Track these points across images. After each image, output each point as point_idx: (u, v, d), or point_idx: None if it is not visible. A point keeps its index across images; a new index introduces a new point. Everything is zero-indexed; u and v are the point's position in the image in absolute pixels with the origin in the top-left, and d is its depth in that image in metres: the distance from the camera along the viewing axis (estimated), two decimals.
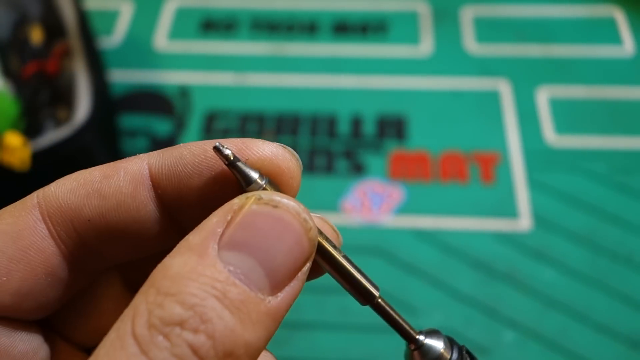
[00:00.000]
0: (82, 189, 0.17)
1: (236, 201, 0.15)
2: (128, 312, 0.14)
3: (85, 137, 0.46)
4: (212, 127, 0.55)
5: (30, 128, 0.47)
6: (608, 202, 0.48)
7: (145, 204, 0.17)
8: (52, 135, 0.46)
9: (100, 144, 0.49)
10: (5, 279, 0.16)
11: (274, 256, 0.15)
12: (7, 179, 0.45)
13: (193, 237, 0.15)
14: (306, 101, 0.56)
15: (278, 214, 0.15)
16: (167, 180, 0.17)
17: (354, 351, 0.42)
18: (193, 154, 0.17)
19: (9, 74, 0.49)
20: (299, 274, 0.16)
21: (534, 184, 0.50)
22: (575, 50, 0.58)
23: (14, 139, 0.43)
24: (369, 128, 0.54)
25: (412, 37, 0.60)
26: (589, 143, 0.52)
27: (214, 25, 0.63)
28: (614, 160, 0.51)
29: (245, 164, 0.16)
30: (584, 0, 0.62)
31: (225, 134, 0.54)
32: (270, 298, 0.15)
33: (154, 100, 0.57)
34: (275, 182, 0.17)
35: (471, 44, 0.59)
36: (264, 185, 0.16)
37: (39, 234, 0.17)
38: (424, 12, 0.63)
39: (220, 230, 0.15)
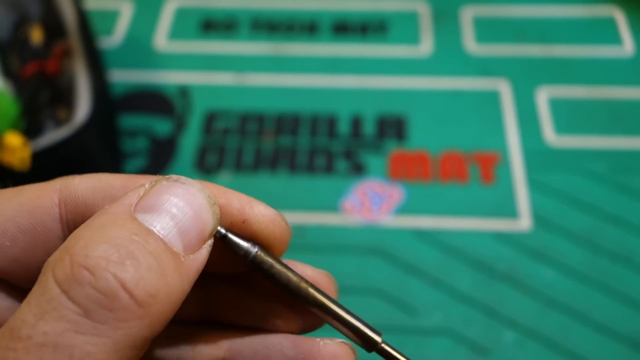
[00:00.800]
0: (100, 191, 0.18)
1: (147, 182, 0.17)
2: (50, 260, 0.14)
3: (85, 137, 0.46)
4: (212, 127, 0.55)
5: (30, 128, 0.47)
6: (608, 202, 0.48)
7: None
8: (52, 135, 0.46)
9: (100, 144, 0.49)
10: (8, 244, 0.17)
11: (184, 218, 0.16)
12: (7, 179, 0.45)
13: (110, 205, 0.16)
14: (306, 101, 0.56)
15: (185, 187, 0.17)
16: None
17: None
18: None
19: (9, 74, 0.49)
20: (205, 245, 0.17)
21: (534, 184, 0.50)
22: (575, 50, 0.58)
23: (14, 139, 0.43)
24: (369, 128, 0.54)
25: (412, 37, 0.60)
26: (589, 143, 0.52)
27: (214, 25, 0.63)
28: (614, 160, 0.51)
29: (236, 236, 0.18)
30: (584, 0, 0.62)
31: (225, 133, 0.54)
32: (183, 255, 0.16)
33: (154, 100, 0.57)
34: (266, 246, 0.19)
35: (471, 44, 0.59)
36: (257, 251, 0.18)
37: (52, 215, 0.18)
38: (424, 12, 0.63)
39: (135, 199, 0.16)
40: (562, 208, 0.48)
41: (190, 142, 0.54)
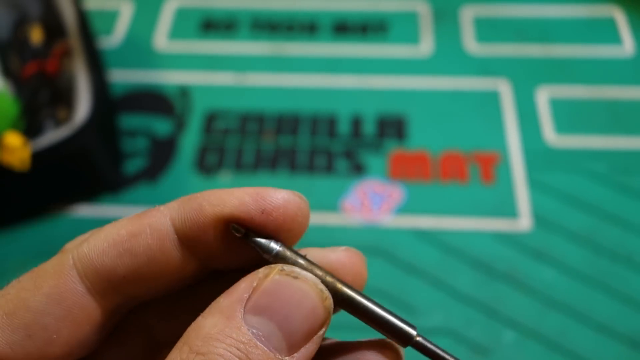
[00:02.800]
0: (113, 249, 0.19)
1: (261, 270, 0.18)
2: None
3: (85, 137, 0.46)
4: (212, 127, 0.55)
5: (30, 128, 0.47)
6: (608, 202, 0.48)
7: (174, 255, 0.19)
8: (52, 135, 0.46)
9: (100, 144, 0.49)
10: (55, 336, 0.18)
11: (292, 321, 0.17)
12: (7, 179, 0.45)
13: (223, 300, 0.17)
14: (306, 101, 0.56)
15: (297, 284, 0.18)
16: (190, 231, 0.19)
17: None
18: (212, 205, 0.19)
19: (9, 74, 0.49)
20: (315, 337, 0.18)
21: (534, 184, 0.50)
22: (575, 50, 0.58)
23: (14, 139, 0.43)
24: (369, 128, 0.54)
25: (412, 37, 0.60)
26: (589, 143, 0.52)
27: (214, 25, 0.63)
28: (614, 160, 0.51)
29: (257, 235, 0.19)
30: (584, 0, 0.62)
31: (225, 133, 0.54)
32: (287, 358, 0.17)
33: (154, 100, 0.57)
34: (289, 228, 0.19)
35: (471, 44, 0.59)
36: (280, 248, 0.19)
37: (80, 293, 0.19)
38: (424, 12, 0.63)
39: (246, 295, 0.17)
40: (562, 208, 0.48)
41: (190, 142, 0.54)
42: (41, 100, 0.49)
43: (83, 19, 0.54)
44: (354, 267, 0.20)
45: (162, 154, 0.53)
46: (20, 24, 0.53)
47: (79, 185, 0.50)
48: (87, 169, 0.49)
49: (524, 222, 0.48)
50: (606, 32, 0.59)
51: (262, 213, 0.18)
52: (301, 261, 0.19)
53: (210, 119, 0.55)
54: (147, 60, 0.60)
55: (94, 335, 0.20)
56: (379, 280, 0.45)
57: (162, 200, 0.55)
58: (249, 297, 0.17)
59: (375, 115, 0.55)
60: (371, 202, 0.49)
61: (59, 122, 0.48)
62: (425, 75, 0.57)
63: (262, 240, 0.19)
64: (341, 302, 0.19)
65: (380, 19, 0.62)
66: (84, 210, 0.50)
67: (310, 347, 0.17)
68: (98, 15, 0.62)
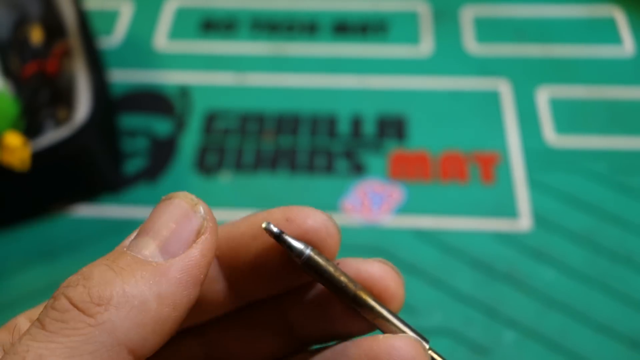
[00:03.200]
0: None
1: None
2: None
3: (85, 137, 0.46)
4: (212, 127, 0.55)
5: (30, 128, 0.47)
6: (608, 202, 0.48)
7: (213, 277, 0.20)
8: (52, 135, 0.46)
9: (100, 144, 0.49)
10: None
11: (163, 228, 0.18)
12: (7, 179, 0.45)
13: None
14: (306, 101, 0.56)
15: (170, 200, 0.19)
16: (227, 253, 0.20)
17: None
18: (251, 227, 0.20)
19: (9, 74, 0.49)
20: (195, 244, 0.18)
21: (534, 184, 0.50)
22: (575, 50, 0.58)
23: (14, 139, 0.43)
24: (369, 128, 0.54)
25: (412, 37, 0.60)
26: (589, 143, 0.52)
27: (214, 25, 0.63)
28: (614, 160, 0.51)
29: (290, 236, 0.19)
30: (584, 0, 0.62)
31: (225, 133, 0.54)
32: (159, 260, 0.17)
33: (154, 100, 0.57)
34: (319, 247, 0.19)
35: (471, 44, 0.59)
36: (310, 252, 0.19)
37: None
38: (424, 12, 0.63)
39: (135, 231, 0.19)
40: (563, 208, 0.48)
41: (190, 142, 0.54)
42: (41, 100, 0.49)
43: (83, 19, 0.54)
44: (382, 281, 0.20)
45: (162, 154, 0.53)
46: (20, 24, 0.53)
47: (79, 185, 0.50)
48: (87, 169, 0.49)
49: (524, 222, 0.48)
50: (606, 32, 0.59)
51: (287, 221, 0.19)
52: (331, 269, 0.19)
53: (210, 119, 0.55)
54: (147, 60, 0.60)
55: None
56: None
57: None
58: (133, 235, 0.18)
59: (375, 115, 0.55)
60: (371, 202, 0.49)
61: (59, 122, 0.48)
62: (425, 75, 0.57)
63: (295, 242, 0.19)
64: (359, 306, 0.19)
65: (380, 19, 0.62)
66: (84, 210, 0.50)
67: (192, 252, 0.18)
68: (98, 15, 0.62)
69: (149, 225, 0.18)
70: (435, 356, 0.19)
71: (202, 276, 0.18)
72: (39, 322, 0.16)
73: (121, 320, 0.16)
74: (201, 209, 0.19)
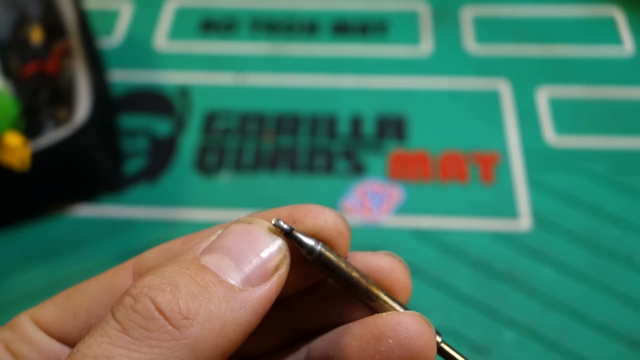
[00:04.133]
0: (164, 253, 0.20)
1: (219, 229, 0.19)
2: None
3: (85, 137, 0.46)
4: (212, 127, 0.55)
5: (30, 128, 0.47)
6: (608, 202, 0.48)
7: None
8: (52, 135, 0.46)
9: (100, 144, 0.49)
10: (94, 321, 0.19)
11: (245, 255, 0.17)
12: (7, 179, 0.45)
13: (182, 253, 0.18)
14: (306, 101, 0.56)
15: (251, 227, 0.18)
16: None
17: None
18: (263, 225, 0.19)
19: (9, 74, 0.49)
20: (273, 278, 0.18)
21: (534, 184, 0.50)
22: (575, 50, 0.58)
23: (14, 139, 0.43)
24: (369, 128, 0.54)
25: (412, 37, 0.60)
26: (589, 143, 0.52)
27: (214, 25, 0.63)
28: (614, 160, 0.51)
29: (301, 233, 0.19)
30: (584, 0, 0.62)
31: (225, 133, 0.54)
32: (241, 287, 0.17)
33: (154, 100, 0.57)
34: (330, 245, 0.19)
35: (471, 44, 0.59)
36: (321, 249, 0.19)
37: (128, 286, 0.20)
38: (424, 12, 0.63)
39: (204, 245, 0.18)
40: (562, 208, 0.48)
41: (190, 142, 0.54)
42: (41, 100, 0.49)
43: (83, 19, 0.54)
44: (393, 274, 0.20)
45: (162, 154, 0.53)
46: (20, 24, 0.53)
47: (79, 185, 0.50)
48: (87, 169, 0.49)
49: (523, 222, 0.48)
50: (606, 32, 0.59)
51: (294, 222, 0.19)
52: (343, 265, 0.19)
53: (210, 119, 0.55)
54: (147, 60, 0.60)
55: None
56: None
57: (162, 201, 0.55)
58: (205, 247, 0.18)
59: (375, 115, 0.55)
60: (371, 202, 0.49)
61: (59, 122, 0.48)
62: (425, 75, 0.57)
63: (306, 238, 0.19)
64: (370, 301, 0.19)
65: (380, 19, 0.62)
66: (84, 210, 0.50)
67: (269, 286, 0.17)
68: (98, 15, 0.62)
69: (230, 246, 0.18)
70: (447, 349, 0.19)
71: (269, 307, 0.17)
72: (120, 325, 0.15)
73: (204, 339, 0.15)
74: (282, 242, 0.18)
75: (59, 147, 0.45)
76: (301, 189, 0.51)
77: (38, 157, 0.45)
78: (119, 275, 0.20)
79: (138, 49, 0.61)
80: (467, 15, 0.62)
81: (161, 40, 0.62)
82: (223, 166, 0.52)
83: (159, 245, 0.21)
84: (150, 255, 0.20)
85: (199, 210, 0.50)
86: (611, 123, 0.53)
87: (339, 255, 0.19)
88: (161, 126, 0.55)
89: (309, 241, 0.19)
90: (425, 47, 0.60)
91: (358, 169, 0.51)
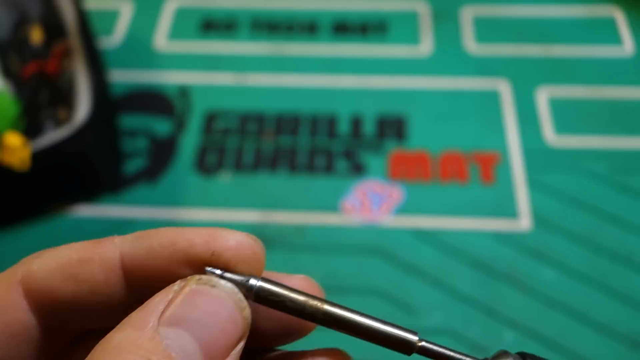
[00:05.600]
0: (60, 272, 0.18)
1: (177, 283, 0.17)
2: None
3: (85, 137, 0.46)
4: (212, 127, 0.55)
5: (30, 128, 0.47)
6: (608, 202, 0.48)
7: (117, 290, 0.18)
8: (52, 135, 0.46)
9: (100, 144, 0.49)
10: None
11: (209, 332, 0.16)
12: (7, 179, 0.45)
13: (135, 314, 0.16)
14: (306, 101, 0.56)
15: (215, 292, 0.17)
16: (138, 269, 0.18)
17: (355, 351, 0.42)
18: (162, 247, 0.18)
19: (9, 74, 0.49)
20: (233, 352, 0.16)
21: (534, 184, 0.50)
22: (575, 50, 0.58)
23: (14, 139, 0.43)
24: (369, 128, 0.54)
25: (412, 37, 0.60)
26: (589, 143, 0.52)
27: (214, 25, 0.63)
28: (614, 160, 0.51)
29: (233, 274, 0.17)
30: (584, 0, 0.62)
31: (225, 133, 0.54)
32: None
33: (154, 100, 0.57)
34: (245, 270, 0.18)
35: (471, 44, 0.59)
36: (259, 284, 0.17)
37: (22, 309, 0.18)
38: (424, 12, 0.63)
39: (162, 307, 0.16)
40: (562, 208, 0.48)
41: (190, 142, 0.54)
42: (41, 100, 0.49)
43: (83, 19, 0.54)
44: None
45: (162, 154, 0.53)
46: (20, 24, 0.53)
47: (79, 185, 0.50)
48: (87, 169, 0.49)
49: (524, 222, 0.48)
50: (606, 32, 0.59)
51: (212, 255, 0.18)
52: (284, 292, 0.18)
53: (210, 119, 0.55)
54: (147, 60, 0.60)
55: (32, 357, 0.19)
56: (378, 280, 0.45)
57: (162, 200, 0.55)
58: (165, 309, 0.16)
59: (375, 115, 0.55)
60: (371, 202, 0.50)
61: (59, 122, 0.48)
62: (425, 75, 0.57)
63: (239, 277, 0.17)
64: (332, 322, 0.18)
65: (380, 19, 0.62)
66: (84, 210, 0.50)
67: None
68: (98, 15, 0.62)
69: (191, 317, 0.16)
70: (429, 346, 0.18)
71: None
72: None
73: None
74: (248, 312, 0.17)
75: (59, 147, 0.45)
76: (301, 189, 0.51)
77: (38, 157, 0.45)
78: (8, 296, 0.18)
79: (138, 49, 0.61)
80: (467, 15, 0.62)
81: (161, 40, 0.62)
82: (223, 166, 0.52)
83: (47, 253, 0.19)
84: (41, 273, 0.18)
85: (199, 210, 0.50)
86: (611, 123, 0.53)
87: (279, 284, 0.18)
88: (161, 126, 0.55)
89: (244, 280, 0.17)
90: (425, 47, 0.60)
91: (358, 169, 0.51)
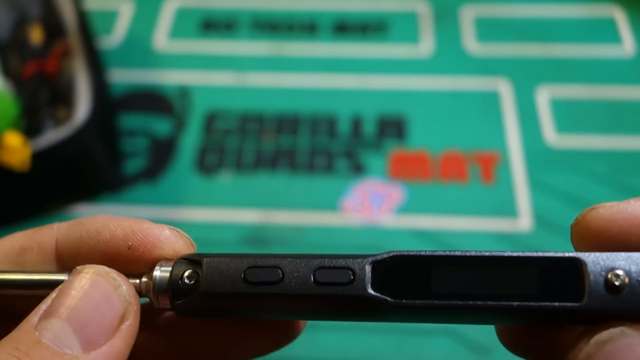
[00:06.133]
0: (5, 261, 0.19)
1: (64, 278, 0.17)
2: None
3: (85, 137, 0.46)
4: (212, 127, 0.55)
5: (30, 128, 0.47)
6: None
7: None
8: (52, 135, 0.46)
9: (100, 144, 0.49)
10: None
11: (81, 314, 0.16)
12: (7, 179, 0.45)
13: (21, 324, 0.16)
14: (306, 101, 0.56)
15: (87, 276, 0.16)
16: (69, 257, 0.18)
17: (354, 351, 0.42)
18: (89, 236, 0.18)
19: (9, 74, 0.49)
20: (118, 332, 0.16)
21: (535, 184, 0.50)
22: (575, 50, 0.58)
23: (14, 139, 0.43)
24: (369, 128, 0.54)
25: (412, 37, 0.60)
26: (589, 143, 0.52)
27: (214, 25, 0.63)
28: (614, 160, 0.51)
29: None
30: (584, 0, 0.62)
31: (225, 133, 0.54)
32: (81, 354, 0.15)
33: (154, 100, 0.57)
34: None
35: (471, 43, 0.59)
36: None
37: None
38: (424, 12, 0.63)
39: (44, 306, 0.16)
40: (563, 208, 0.48)
41: (190, 142, 0.54)
42: (41, 100, 0.49)
43: (83, 19, 0.54)
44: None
45: (162, 154, 0.53)
46: (20, 24, 0.53)
47: (79, 185, 0.50)
48: (87, 169, 0.49)
49: (524, 222, 0.48)
50: (606, 32, 0.59)
51: (129, 249, 0.18)
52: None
53: (210, 119, 0.55)
54: (147, 60, 0.60)
55: None
56: None
57: (162, 200, 0.55)
58: (44, 311, 0.16)
59: (375, 115, 0.55)
60: (371, 202, 0.49)
61: (59, 122, 0.48)
62: (425, 75, 0.57)
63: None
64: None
65: (380, 19, 0.62)
66: (84, 210, 0.50)
67: (115, 343, 0.16)
68: (98, 15, 0.62)
69: (63, 304, 0.16)
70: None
71: None
72: None
73: None
74: (124, 289, 0.17)
75: (59, 147, 0.45)
76: (301, 189, 0.50)
77: (38, 157, 0.45)
78: None
79: (138, 49, 0.61)
80: (468, 15, 0.62)
81: (161, 40, 0.62)
82: (223, 166, 0.52)
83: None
84: None
85: (199, 210, 0.50)
86: (612, 123, 0.53)
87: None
88: (161, 126, 0.55)
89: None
90: (426, 47, 0.60)
91: (358, 169, 0.51)
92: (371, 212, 0.49)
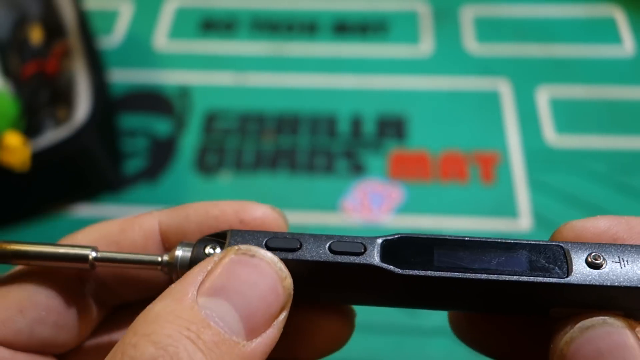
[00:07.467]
0: (103, 240, 0.20)
1: (217, 254, 0.17)
2: (108, 357, 0.15)
3: (85, 137, 0.46)
4: (212, 127, 0.55)
5: (30, 128, 0.47)
6: (608, 202, 0.48)
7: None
8: (51, 135, 0.46)
9: (100, 144, 0.49)
10: (44, 313, 0.18)
11: (249, 301, 0.16)
12: (7, 179, 0.45)
13: (175, 285, 0.16)
14: (306, 101, 0.56)
15: (254, 262, 0.17)
16: (174, 235, 0.20)
17: (354, 351, 0.42)
18: (197, 214, 0.20)
19: (9, 74, 0.49)
20: (275, 322, 0.16)
21: (534, 184, 0.50)
22: (575, 50, 0.58)
23: (14, 139, 0.43)
24: (369, 128, 0.54)
25: (412, 37, 0.60)
26: (589, 143, 0.52)
27: (214, 25, 0.63)
28: (614, 160, 0.51)
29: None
30: (584, 0, 0.62)
31: (225, 133, 0.54)
32: (245, 342, 0.15)
33: (154, 100, 0.57)
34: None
35: (471, 43, 0.59)
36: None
37: (70, 275, 0.20)
38: (424, 12, 0.63)
39: (200, 278, 0.16)
40: (563, 208, 0.48)
41: (190, 142, 0.54)
42: (41, 100, 0.49)
43: (83, 19, 0.54)
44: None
45: (162, 154, 0.53)
46: (20, 24, 0.53)
47: (79, 185, 0.50)
48: (87, 169, 0.49)
49: (524, 222, 0.48)
50: (606, 32, 0.59)
51: (240, 223, 0.19)
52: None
53: (210, 119, 0.55)
54: (147, 60, 0.60)
55: (81, 323, 0.20)
56: None
57: (162, 200, 0.55)
58: (203, 279, 0.16)
59: (375, 115, 0.55)
60: (371, 202, 0.49)
61: (59, 122, 0.48)
62: (425, 75, 0.57)
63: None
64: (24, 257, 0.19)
65: (380, 19, 0.62)
66: (84, 210, 0.50)
67: (271, 333, 0.16)
68: (98, 15, 0.62)
69: (232, 289, 0.16)
70: (104, 255, 0.19)
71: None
72: None
73: None
74: (289, 282, 0.17)
75: (59, 147, 0.45)
76: (301, 189, 0.51)
77: (38, 157, 0.45)
78: None
79: (138, 49, 0.61)
80: (468, 15, 0.62)
81: (161, 40, 0.62)
82: (223, 166, 0.52)
83: (89, 227, 0.20)
84: (85, 242, 0.19)
85: None
86: (611, 123, 0.53)
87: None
88: (161, 126, 0.55)
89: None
90: (426, 47, 0.60)
91: (358, 169, 0.51)
92: (371, 212, 0.49)
